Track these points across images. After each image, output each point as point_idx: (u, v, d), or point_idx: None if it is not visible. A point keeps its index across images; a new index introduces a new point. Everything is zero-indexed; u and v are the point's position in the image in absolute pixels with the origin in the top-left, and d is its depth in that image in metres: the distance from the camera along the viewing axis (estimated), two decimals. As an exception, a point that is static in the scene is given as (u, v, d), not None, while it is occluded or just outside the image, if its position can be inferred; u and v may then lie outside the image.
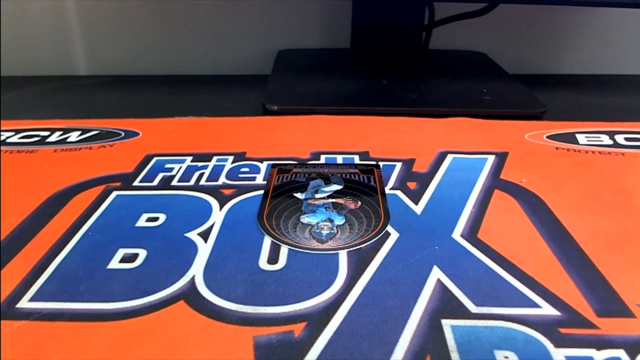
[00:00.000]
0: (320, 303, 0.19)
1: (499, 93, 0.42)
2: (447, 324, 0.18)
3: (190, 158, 0.31)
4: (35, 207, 0.25)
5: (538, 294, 0.19)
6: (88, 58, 0.53)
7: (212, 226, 0.24)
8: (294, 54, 0.52)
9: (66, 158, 0.31)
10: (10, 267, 0.21)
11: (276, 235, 0.23)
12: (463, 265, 0.21)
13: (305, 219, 0.24)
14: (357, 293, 0.19)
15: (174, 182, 0.28)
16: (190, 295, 0.19)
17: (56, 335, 0.17)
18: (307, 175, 0.28)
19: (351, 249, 0.22)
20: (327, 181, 0.28)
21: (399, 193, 0.27)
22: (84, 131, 0.35)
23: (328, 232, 0.23)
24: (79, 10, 0.51)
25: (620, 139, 0.34)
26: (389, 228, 0.23)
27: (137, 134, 0.34)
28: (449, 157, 0.31)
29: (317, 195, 0.26)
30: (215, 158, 0.31)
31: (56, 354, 0.16)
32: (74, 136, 0.34)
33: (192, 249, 0.22)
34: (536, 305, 0.19)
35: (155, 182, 0.28)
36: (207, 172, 0.29)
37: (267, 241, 0.23)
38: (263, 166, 0.30)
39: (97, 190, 0.27)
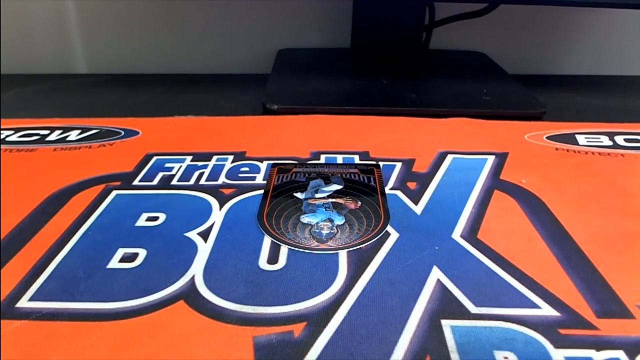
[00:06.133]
0: (320, 303, 0.19)
1: (499, 93, 0.42)
2: (446, 324, 0.18)
3: (190, 157, 0.31)
4: (35, 206, 0.25)
5: (538, 295, 0.19)
6: (88, 57, 0.53)
7: (212, 226, 0.24)
8: (294, 54, 0.52)
9: (66, 157, 0.31)
10: (10, 266, 0.21)
11: (276, 235, 0.23)
12: (463, 265, 0.21)
13: (305, 218, 0.24)
14: (357, 293, 0.19)
15: (174, 182, 0.28)
16: (190, 295, 0.19)
17: (56, 335, 0.17)
18: (307, 175, 0.28)
19: (351, 249, 0.22)
20: (327, 181, 0.28)
21: (399, 193, 0.27)
22: (84, 130, 0.35)
23: (328, 232, 0.23)
24: (79, 9, 0.51)
25: (619, 139, 0.34)
26: (389, 228, 0.23)
27: (137, 133, 0.34)
28: (449, 158, 0.31)
29: (317, 195, 0.26)
30: (215, 157, 0.31)
31: (56, 353, 0.16)
32: (73, 135, 0.34)
33: (192, 248, 0.22)
34: (536, 306, 0.19)
35: (155, 182, 0.28)
36: (207, 171, 0.29)
37: (267, 241, 0.23)
38: (263, 166, 0.30)
39: (97, 189, 0.27)
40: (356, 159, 0.31)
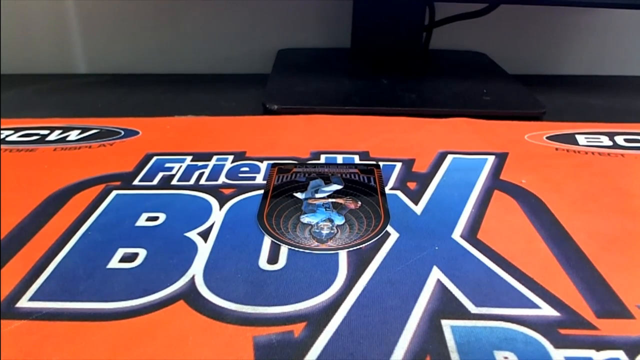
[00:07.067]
0: (320, 303, 0.19)
1: (499, 93, 0.42)
2: (446, 324, 0.18)
3: (190, 157, 0.31)
4: (35, 206, 0.25)
5: (537, 295, 0.19)
6: (88, 56, 0.53)
7: (212, 226, 0.24)
8: (293, 53, 0.52)
9: (66, 157, 0.31)
10: (10, 266, 0.21)
11: (276, 235, 0.23)
12: (463, 265, 0.21)
13: (305, 218, 0.24)
14: (357, 293, 0.19)
15: (174, 182, 0.28)
16: (190, 295, 0.19)
17: (56, 335, 0.17)
18: (307, 175, 0.28)
19: (351, 249, 0.22)
20: (327, 181, 0.28)
21: (399, 193, 0.27)
22: (84, 130, 0.35)
23: (328, 232, 0.23)
24: (79, 9, 0.51)
25: (619, 140, 0.34)
26: (389, 228, 0.23)
27: (137, 133, 0.34)
28: (449, 158, 0.31)
29: (317, 195, 0.26)
30: (215, 157, 0.31)
31: (56, 353, 0.16)
32: (73, 135, 0.34)
33: (192, 248, 0.22)
34: (536, 306, 0.19)
35: (155, 182, 0.28)
36: (207, 171, 0.29)
37: (267, 241, 0.23)
38: (263, 166, 0.30)
39: (97, 189, 0.27)
40: (356, 159, 0.31)
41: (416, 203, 0.26)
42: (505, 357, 0.16)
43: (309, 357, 0.16)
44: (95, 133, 0.34)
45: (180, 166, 0.29)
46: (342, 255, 0.22)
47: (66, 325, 0.18)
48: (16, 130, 0.35)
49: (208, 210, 0.25)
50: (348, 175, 0.28)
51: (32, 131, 0.34)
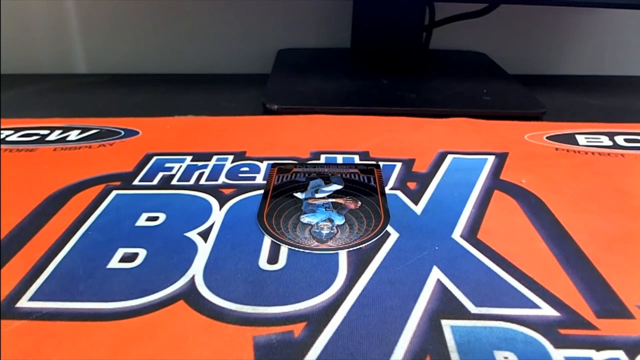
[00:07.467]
0: (320, 303, 0.19)
1: (499, 93, 0.42)
2: (446, 324, 0.18)
3: (190, 157, 0.31)
4: (35, 206, 0.25)
5: (538, 295, 0.19)
6: (88, 56, 0.53)
7: (212, 226, 0.24)
8: (293, 53, 0.52)
9: (66, 157, 0.31)
10: (10, 266, 0.21)
11: (276, 235, 0.23)
12: (463, 265, 0.21)
13: (305, 218, 0.24)
14: (357, 293, 0.19)
15: (174, 182, 0.28)
16: (190, 295, 0.19)
17: (56, 335, 0.17)
18: (307, 175, 0.28)
19: (351, 249, 0.22)
20: (327, 181, 0.28)
21: (399, 193, 0.27)
22: (84, 130, 0.35)
23: (328, 232, 0.23)
24: (78, 9, 0.51)
25: (619, 140, 0.34)
26: (389, 228, 0.23)
27: (137, 133, 0.34)
28: (449, 158, 0.31)
29: (317, 195, 0.26)
30: (215, 157, 0.31)
31: (56, 353, 0.16)
32: (73, 135, 0.34)
33: (192, 248, 0.22)
34: (536, 306, 0.19)
35: (155, 182, 0.28)
36: (207, 171, 0.29)
37: (267, 241, 0.23)
38: (263, 166, 0.30)
39: (97, 189, 0.27)
40: (356, 159, 0.31)
41: (416, 203, 0.26)
42: (505, 357, 0.16)
43: (309, 357, 0.16)
44: (95, 133, 0.34)
45: (180, 166, 0.29)
46: (342, 255, 0.22)
47: (66, 325, 0.18)
48: (16, 130, 0.35)
49: (208, 210, 0.25)
50: (348, 175, 0.28)
51: (32, 131, 0.34)
